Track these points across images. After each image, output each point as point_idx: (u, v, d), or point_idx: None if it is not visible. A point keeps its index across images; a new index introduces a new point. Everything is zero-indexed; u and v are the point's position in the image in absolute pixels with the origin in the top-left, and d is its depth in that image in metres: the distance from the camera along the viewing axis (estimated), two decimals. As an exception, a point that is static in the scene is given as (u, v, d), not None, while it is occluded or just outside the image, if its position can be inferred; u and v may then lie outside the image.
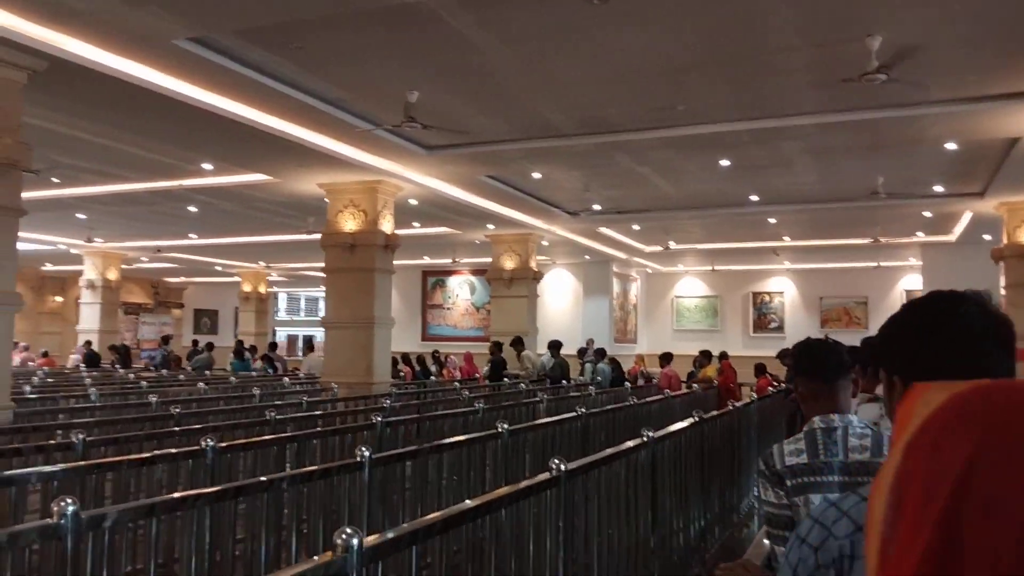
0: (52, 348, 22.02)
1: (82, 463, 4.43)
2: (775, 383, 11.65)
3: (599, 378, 14.05)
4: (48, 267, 25.38)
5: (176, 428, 5.89)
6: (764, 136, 9.27)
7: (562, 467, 3.50)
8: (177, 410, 6.75)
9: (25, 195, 12.66)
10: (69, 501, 2.65)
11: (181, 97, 7.41)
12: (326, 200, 11.34)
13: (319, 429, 5.83)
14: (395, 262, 21.94)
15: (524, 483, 3.32)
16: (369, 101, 8.23)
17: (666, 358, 13.59)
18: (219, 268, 24.20)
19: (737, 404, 7.56)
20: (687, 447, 5.66)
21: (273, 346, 17.31)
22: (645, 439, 4.77)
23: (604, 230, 16.46)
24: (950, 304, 1.17)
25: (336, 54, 6.95)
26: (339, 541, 2.05)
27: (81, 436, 4.77)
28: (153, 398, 8.15)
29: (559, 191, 12.83)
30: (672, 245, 18.32)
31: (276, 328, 29.94)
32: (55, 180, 11.67)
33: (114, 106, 7.82)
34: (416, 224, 15.48)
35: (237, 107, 8.02)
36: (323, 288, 24.91)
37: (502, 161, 10.39)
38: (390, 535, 2.35)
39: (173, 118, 8.12)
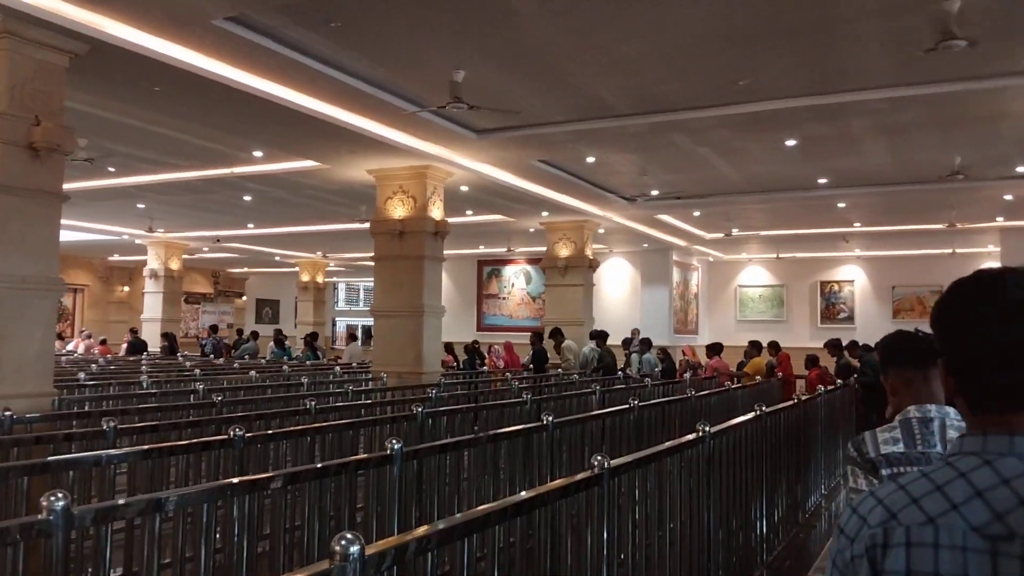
0: (119, 337, 22.55)
1: (109, 451, 4.29)
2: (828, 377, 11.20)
3: (644, 369, 13.71)
4: (116, 257, 26.02)
5: (211, 417, 5.75)
6: (832, 113, 8.70)
7: (605, 463, 3.19)
8: (220, 398, 6.62)
9: (85, 184, 12.96)
10: (60, 496, 2.44)
11: (223, 80, 7.28)
12: (375, 187, 11.16)
13: (355, 420, 5.61)
14: (449, 251, 21.96)
15: (558, 482, 3.00)
16: (413, 82, 7.97)
17: (714, 349, 13.15)
18: (278, 258, 24.42)
19: (803, 396, 7.09)
20: (749, 442, 5.26)
21: (314, 336, 17.58)
22: (701, 434, 4.42)
23: (663, 217, 15.96)
24: (993, 278, 1.12)
25: (377, 32, 6.70)
26: (337, 548, 1.84)
27: (112, 424, 4.64)
28: (200, 386, 8.08)
29: (615, 176, 12.41)
30: (735, 232, 17.69)
31: (336, 318, 30.18)
32: (111, 169, 11.78)
33: (158, 90, 7.73)
34: (469, 212, 15.26)
35: (280, 90, 7.87)
36: None
37: (554, 144, 10.04)
38: (394, 542, 2.07)
39: (218, 102, 8.02)
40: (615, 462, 3.28)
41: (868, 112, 8.73)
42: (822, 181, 12.59)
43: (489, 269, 22.38)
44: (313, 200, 13.78)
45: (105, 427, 4.62)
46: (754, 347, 12.85)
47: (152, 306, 20.31)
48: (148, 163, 11.35)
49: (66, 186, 12.79)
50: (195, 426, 5.66)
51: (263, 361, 15.21)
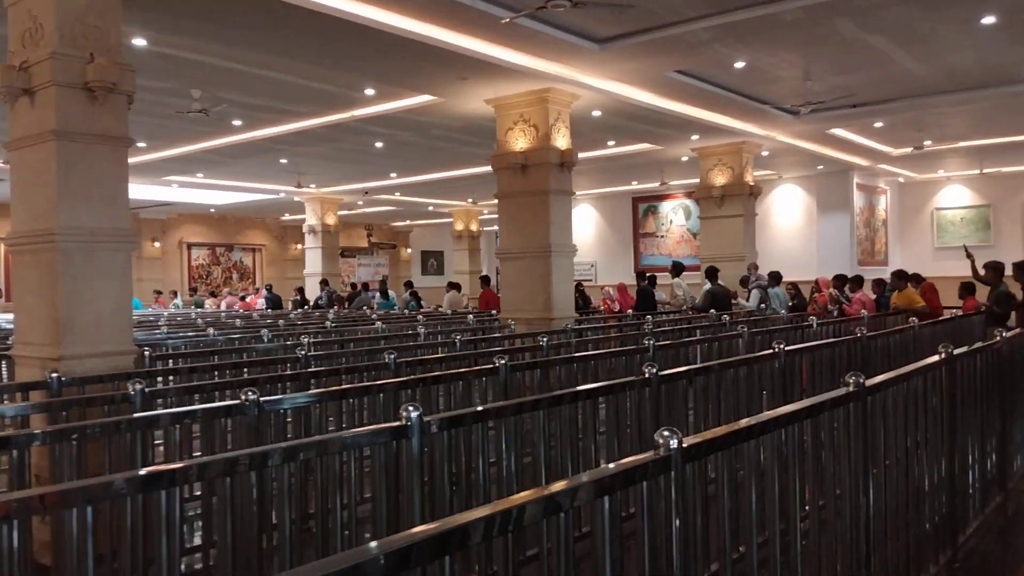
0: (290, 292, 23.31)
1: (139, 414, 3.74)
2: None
3: (765, 305, 12.12)
4: (287, 217, 27.02)
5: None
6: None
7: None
8: (303, 352, 6.05)
9: (220, 142, 13.03)
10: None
11: (311, 5, 6.62)
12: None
13: (433, 374, 4.78)
14: (601, 189, 20.99)
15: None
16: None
17: (856, 282, 11.33)
18: (431, 208, 24.27)
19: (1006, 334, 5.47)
20: (922, 396, 3.90)
21: (410, 284, 18.30)
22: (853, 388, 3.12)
23: (837, 131, 13.91)
24: None
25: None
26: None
27: (139, 387, 4.08)
28: (306, 339, 7.62)
29: (772, 84, 10.70)
30: (927, 145, 15.21)
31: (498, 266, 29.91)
32: (237, 123, 11.63)
33: (249, 23, 7.21)
34: (611, 143, 14.03)
35: (371, 11, 7.11)
36: None
37: (691, 47, 8.59)
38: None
39: (307, 31, 7.41)
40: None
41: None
42: (1036, 69, 10.24)
43: (645, 206, 20.97)
44: (443, 141, 13.09)
45: (131, 389, 4.08)
46: (899, 277, 10.83)
47: (312, 261, 20.78)
48: (268, 112, 11.05)
49: (201, 145, 13.16)
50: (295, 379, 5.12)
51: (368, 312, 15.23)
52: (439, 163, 15.55)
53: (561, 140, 9.84)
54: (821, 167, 17.38)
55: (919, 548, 3.67)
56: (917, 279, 11.31)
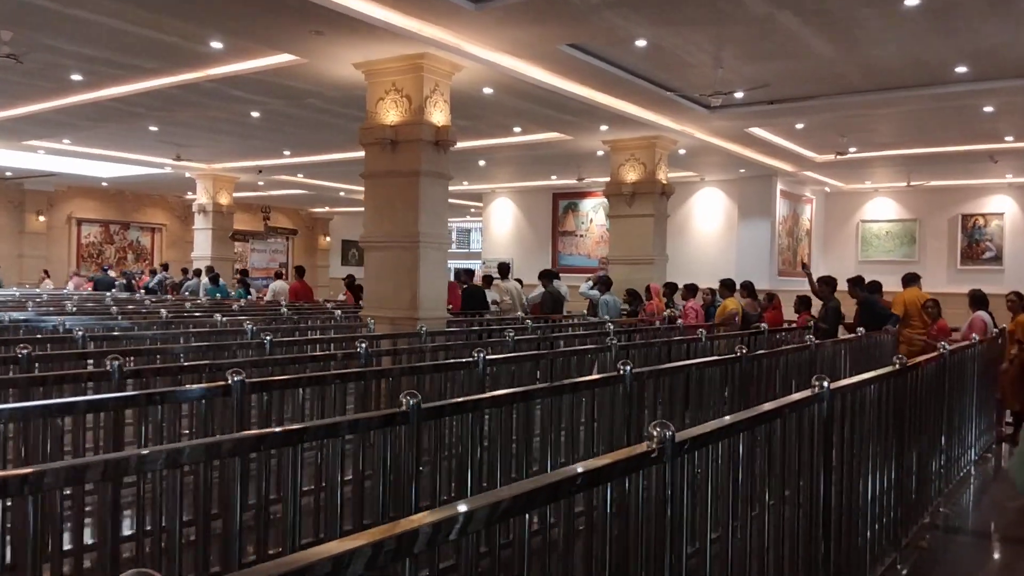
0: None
1: None
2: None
3: (603, 313, 11.35)
4: (190, 195, 25.12)
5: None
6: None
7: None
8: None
9: (65, 101, 11.45)
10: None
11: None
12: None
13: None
14: (520, 184, 19.79)
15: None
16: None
17: (690, 290, 11.08)
18: (343, 194, 22.82)
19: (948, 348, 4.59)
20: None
21: (244, 272, 17.55)
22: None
23: (756, 131, 13.01)
24: None
25: None
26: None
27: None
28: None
29: (680, 70, 9.65)
30: (851, 151, 14.45)
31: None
32: (77, 78, 10.10)
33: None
34: (517, 129, 12.86)
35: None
36: (479, 219, 23.04)
37: (579, 13, 7.43)
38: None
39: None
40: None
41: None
42: (960, 70, 9.40)
43: (565, 203, 19.90)
44: (326, 115, 11.74)
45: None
46: (726, 286, 10.42)
47: (202, 243, 19.14)
48: (108, 65, 9.55)
49: (46, 104, 11.55)
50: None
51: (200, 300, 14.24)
52: (332, 143, 14.18)
53: (438, 115, 8.60)
54: (743, 170, 16.55)
55: None
56: (768, 296, 11.10)
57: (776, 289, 14.05)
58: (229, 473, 2.78)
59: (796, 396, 3.30)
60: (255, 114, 11.99)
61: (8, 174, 20.31)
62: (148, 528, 3.08)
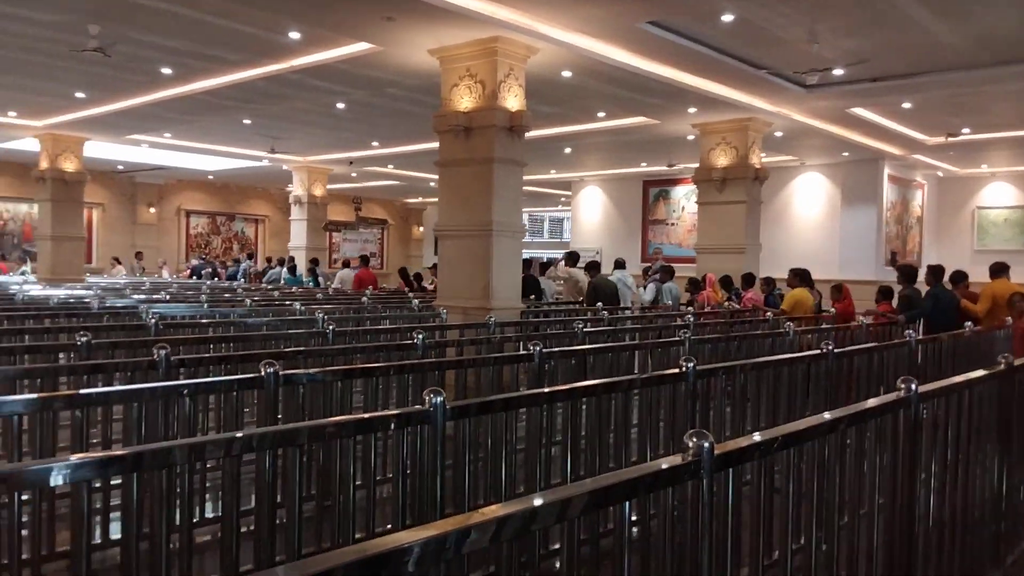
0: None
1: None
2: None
3: (664, 300, 11.35)
4: (290, 188, 25.89)
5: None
6: None
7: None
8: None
9: (160, 95, 11.83)
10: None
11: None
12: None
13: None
14: (610, 171, 19.35)
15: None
16: None
17: (747, 280, 10.88)
18: (433, 184, 22.90)
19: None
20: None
21: (315, 261, 17.94)
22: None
23: (858, 111, 12.21)
24: None
25: None
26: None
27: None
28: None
29: (772, 46, 9.09)
30: (964, 132, 13.39)
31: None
32: (166, 71, 10.39)
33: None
34: (601, 114, 12.50)
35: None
36: (570, 208, 22.78)
37: (659, -9, 7.07)
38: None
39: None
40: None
41: None
42: (1095, 37, 8.48)
43: (656, 191, 19.36)
44: (406, 104, 11.70)
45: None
46: (796, 276, 9.84)
47: (298, 233, 19.64)
48: (195, 58, 9.76)
49: (144, 98, 11.98)
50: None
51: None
52: (416, 133, 14.17)
53: (512, 100, 8.38)
54: (847, 154, 15.63)
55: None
56: (837, 287, 10.06)
57: (885, 280, 13.19)
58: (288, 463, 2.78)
59: (872, 402, 2.94)
60: (340, 105, 12.08)
61: (120, 168, 21.35)
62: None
